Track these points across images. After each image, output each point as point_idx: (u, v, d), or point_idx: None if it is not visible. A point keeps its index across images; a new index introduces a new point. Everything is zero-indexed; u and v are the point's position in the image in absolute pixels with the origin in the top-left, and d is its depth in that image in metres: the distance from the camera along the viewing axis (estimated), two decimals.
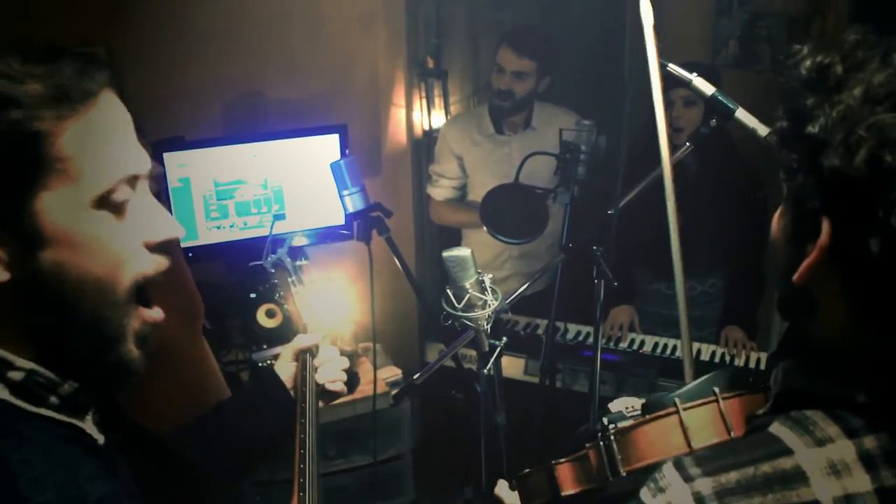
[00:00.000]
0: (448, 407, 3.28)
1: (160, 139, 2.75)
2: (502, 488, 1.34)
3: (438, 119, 3.53)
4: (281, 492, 2.40)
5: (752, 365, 2.75)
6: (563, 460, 1.14)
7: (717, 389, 0.99)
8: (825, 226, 0.75)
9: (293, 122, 3.16)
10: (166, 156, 2.75)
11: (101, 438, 0.89)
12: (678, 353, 2.79)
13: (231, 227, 2.95)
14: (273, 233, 2.78)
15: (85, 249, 0.81)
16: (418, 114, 3.56)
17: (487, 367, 1.62)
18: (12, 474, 0.74)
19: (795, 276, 0.79)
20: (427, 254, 3.74)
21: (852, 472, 0.73)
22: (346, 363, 1.59)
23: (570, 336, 2.95)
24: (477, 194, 3.10)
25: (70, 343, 0.83)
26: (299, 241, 3.07)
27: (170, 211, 2.15)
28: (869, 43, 0.77)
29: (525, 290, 1.98)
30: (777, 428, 0.78)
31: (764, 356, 2.79)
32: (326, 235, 3.03)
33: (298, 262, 1.87)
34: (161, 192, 2.13)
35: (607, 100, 3.40)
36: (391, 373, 3.14)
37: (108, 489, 0.81)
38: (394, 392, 2.15)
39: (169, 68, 2.97)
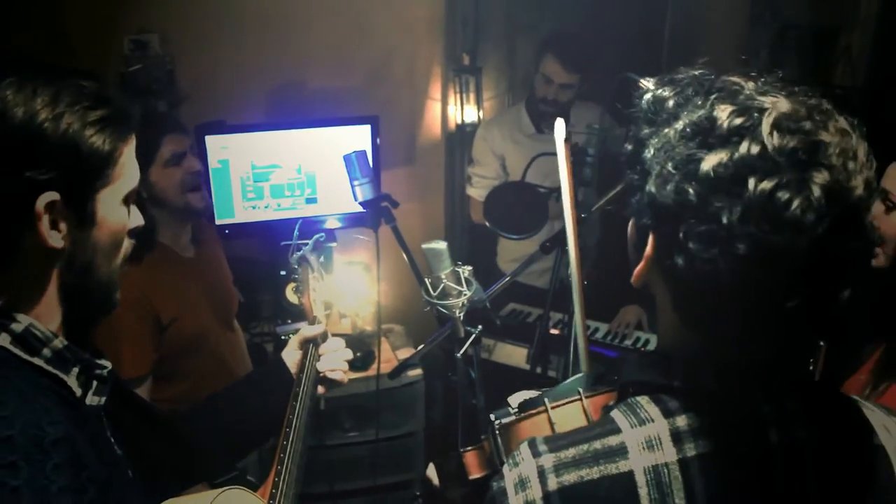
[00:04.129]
0: (448, 389, 3.40)
1: (203, 122, 2.95)
2: (431, 471, 1.42)
3: (472, 114, 3.65)
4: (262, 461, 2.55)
5: None
6: (469, 448, 1.27)
7: (580, 389, 1.11)
8: (651, 239, 0.88)
9: (330, 111, 3.33)
10: (208, 138, 2.95)
11: (79, 392, 1.04)
12: None
13: (265, 207, 3.15)
14: (304, 217, 2.94)
15: (112, 230, 1.06)
16: (453, 108, 3.68)
17: (462, 352, 1.76)
18: None
19: (632, 279, 0.94)
20: (457, 243, 3.85)
21: (663, 445, 0.85)
22: (349, 354, 1.74)
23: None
24: None
25: (88, 295, 1.07)
26: (331, 223, 3.25)
27: (211, 191, 2.36)
28: (701, 81, 0.86)
29: (507, 283, 2.10)
30: (614, 412, 0.91)
31: None
32: (354, 220, 3.19)
33: (328, 245, 2.01)
34: (203, 183, 2.35)
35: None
36: (408, 353, 3.28)
37: (66, 433, 0.93)
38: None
39: (215, 56, 3.19)
